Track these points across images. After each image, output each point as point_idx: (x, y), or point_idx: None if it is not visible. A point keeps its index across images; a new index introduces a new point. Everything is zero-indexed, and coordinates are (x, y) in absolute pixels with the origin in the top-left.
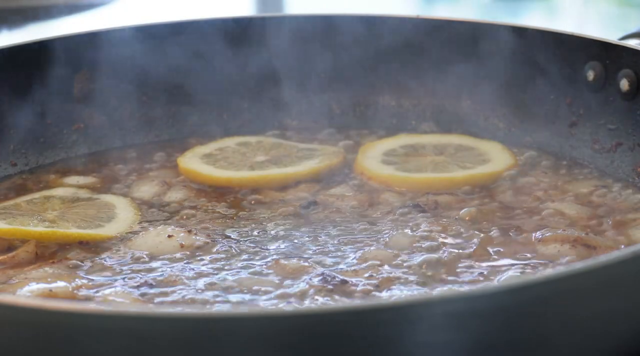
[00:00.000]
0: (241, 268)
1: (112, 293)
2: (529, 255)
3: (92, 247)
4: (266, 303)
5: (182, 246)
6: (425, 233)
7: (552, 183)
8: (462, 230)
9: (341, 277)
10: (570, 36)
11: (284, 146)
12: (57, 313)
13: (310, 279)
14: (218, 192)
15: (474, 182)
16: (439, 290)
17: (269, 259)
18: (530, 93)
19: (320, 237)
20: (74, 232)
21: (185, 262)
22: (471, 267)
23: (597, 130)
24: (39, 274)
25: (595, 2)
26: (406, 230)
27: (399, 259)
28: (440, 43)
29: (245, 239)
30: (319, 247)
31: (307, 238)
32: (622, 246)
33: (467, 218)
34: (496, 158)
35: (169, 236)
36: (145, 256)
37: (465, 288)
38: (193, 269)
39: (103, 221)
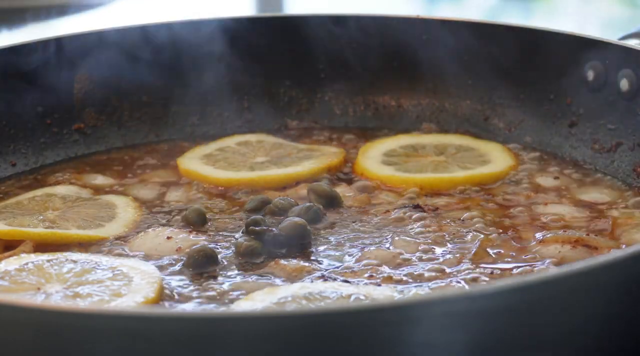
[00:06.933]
0: (241, 268)
1: None
2: (529, 256)
3: (91, 248)
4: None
5: (180, 248)
6: (425, 234)
7: (552, 184)
8: (462, 230)
9: (342, 278)
10: (570, 36)
11: (284, 146)
12: (57, 313)
13: (310, 279)
14: (218, 192)
15: (474, 182)
16: (439, 290)
17: (269, 260)
18: (530, 93)
19: (320, 237)
20: (73, 234)
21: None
22: (471, 267)
23: (597, 130)
24: None
25: (595, 2)
26: (406, 231)
27: (399, 259)
28: (440, 43)
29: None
30: (319, 247)
31: (307, 239)
32: (623, 246)
33: (467, 219)
34: (497, 159)
35: (168, 237)
36: (144, 257)
37: (466, 288)
38: (193, 270)
39: (104, 220)
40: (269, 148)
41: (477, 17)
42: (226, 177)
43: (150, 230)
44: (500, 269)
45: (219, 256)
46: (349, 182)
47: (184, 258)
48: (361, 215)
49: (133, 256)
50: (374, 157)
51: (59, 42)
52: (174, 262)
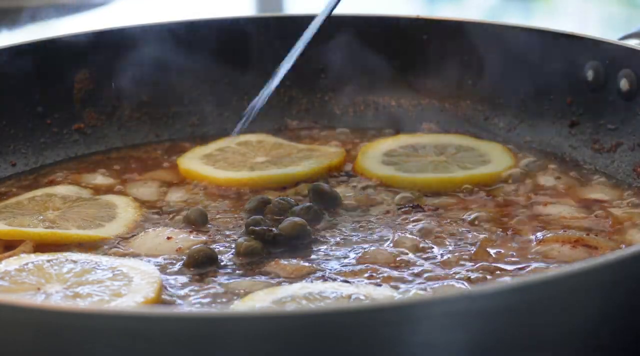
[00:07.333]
0: (241, 268)
1: None
2: (529, 256)
3: (90, 247)
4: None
5: (181, 248)
6: (425, 234)
7: (552, 184)
8: (462, 230)
9: (342, 278)
10: (570, 36)
11: (284, 146)
12: (57, 313)
13: (310, 279)
14: (218, 192)
15: (474, 182)
16: (439, 290)
17: (269, 260)
18: (530, 93)
19: (320, 237)
20: (73, 234)
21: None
22: (471, 267)
23: (597, 130)
24: None
25: (596, 2)
26: (406, 231)
27: (399, 259)
28: (440, 43)
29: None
30: (319, 248)
31: (307, 239)
32: (622, 246)
33: (467, 219)
34: (496, 159)
35: (168, 237)
36: (144, 257)
37: (466, 288)
38: (193, 270)
39: (104, 220)
40: (269, 148)
41: (477, 17)
42: (226, 177)
43: (150, 230)
44: (500, 269)
45: (219, 256)
46: (349, 182)
47: (184, 258)
48: (361, 215)
49: (133, 256)
50: (374, 157)
51: (59, 42)
52: (174, 262)
